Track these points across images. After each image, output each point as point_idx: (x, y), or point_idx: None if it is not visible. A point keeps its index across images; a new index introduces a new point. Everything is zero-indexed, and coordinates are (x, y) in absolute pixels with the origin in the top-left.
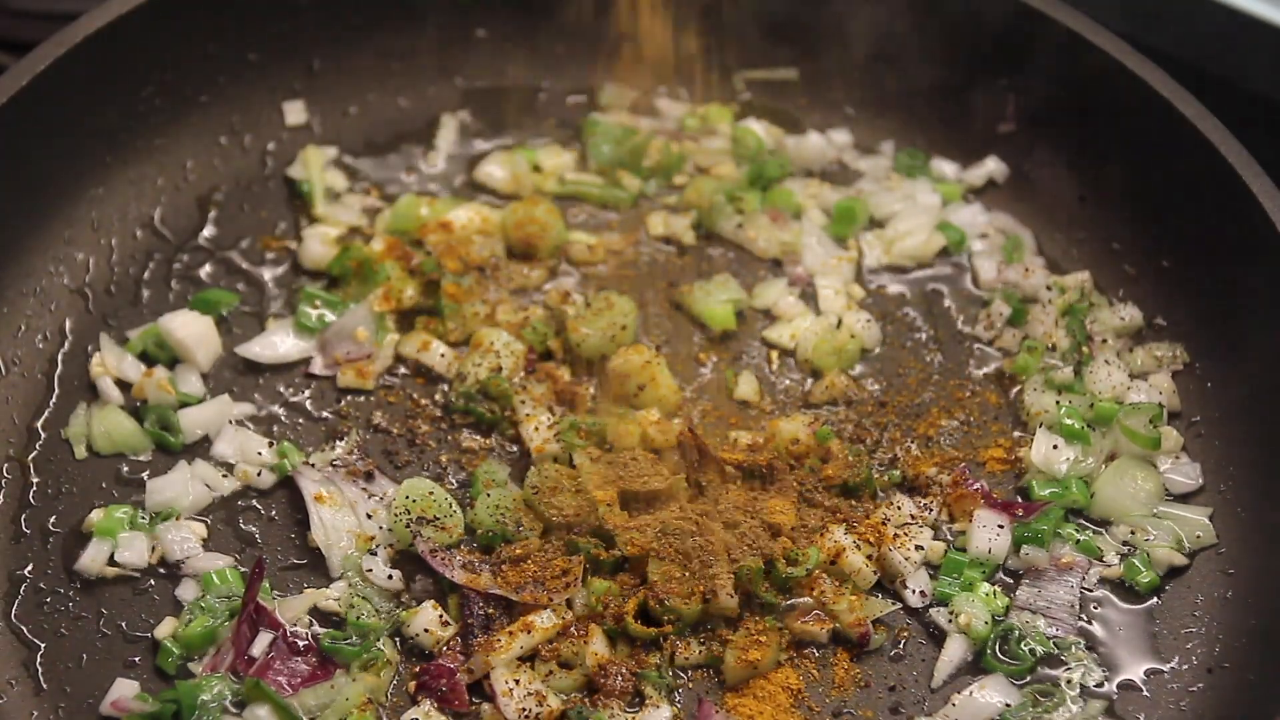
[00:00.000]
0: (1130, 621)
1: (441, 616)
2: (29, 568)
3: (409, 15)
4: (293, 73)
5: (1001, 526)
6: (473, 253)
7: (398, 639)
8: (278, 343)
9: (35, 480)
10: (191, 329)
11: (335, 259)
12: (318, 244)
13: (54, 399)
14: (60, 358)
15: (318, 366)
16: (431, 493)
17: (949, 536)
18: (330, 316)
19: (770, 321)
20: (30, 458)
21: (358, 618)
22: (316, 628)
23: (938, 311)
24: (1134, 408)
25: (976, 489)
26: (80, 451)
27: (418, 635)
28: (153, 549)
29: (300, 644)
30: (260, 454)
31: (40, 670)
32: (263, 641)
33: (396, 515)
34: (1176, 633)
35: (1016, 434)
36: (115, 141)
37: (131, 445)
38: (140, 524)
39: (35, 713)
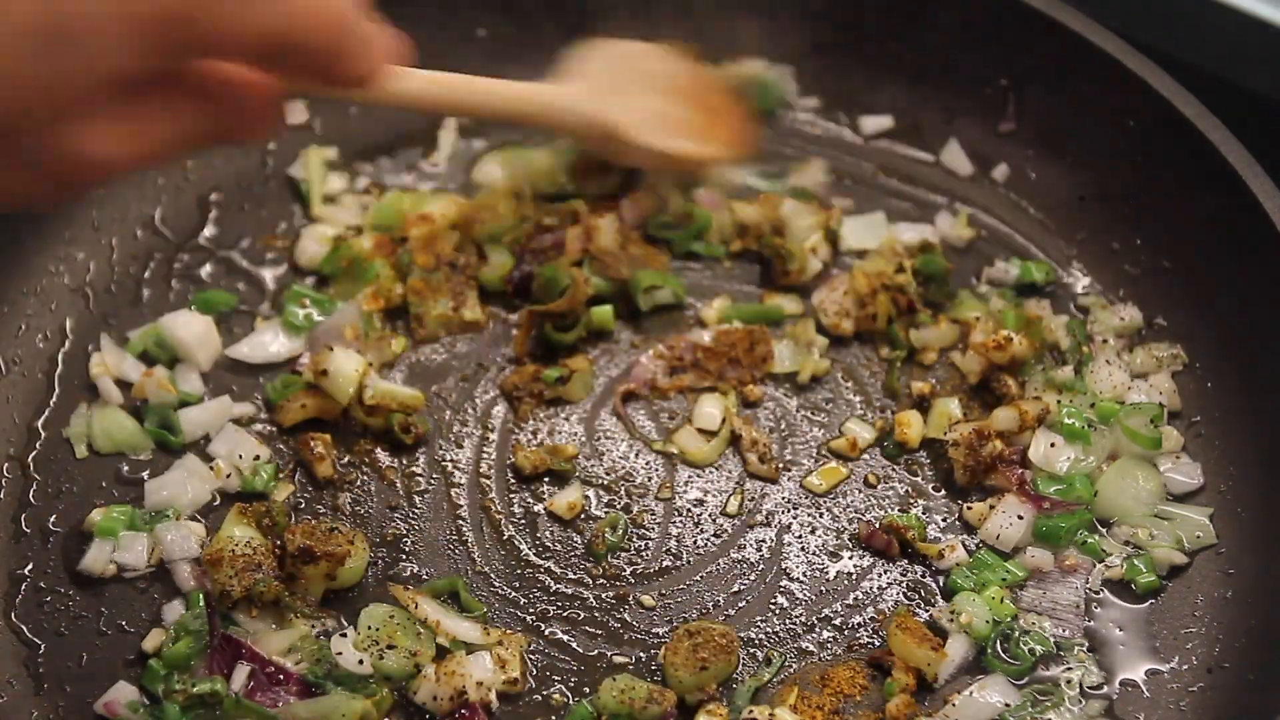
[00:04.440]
0: (1130, 621)
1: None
2: (29, 567)
3: (409, 15)
4: None
5: (1020, 517)
6: (446, 246)
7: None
8: (267, 342)
9: (35, 480)
10: (192, 328)
11: (326, 257)
12: (313, 243)
13: (54, 398)
14: (61, 357)
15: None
16: (392, 616)
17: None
18: (318, 316)
19: None
20: (30, 457)
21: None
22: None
23: None
24: (1135, 408)
25: (1018, 475)
26: (81, 451)
27: (425, 703)
28: (152, 550)
29: (281, 676)
30: (257, 457)
31: (40, 669)
32: (241, 674)
33: (368, 649)
34: (1176, 633)
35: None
36: None
37: (132, 444)
38: (140, 524)
39: (35, 712)
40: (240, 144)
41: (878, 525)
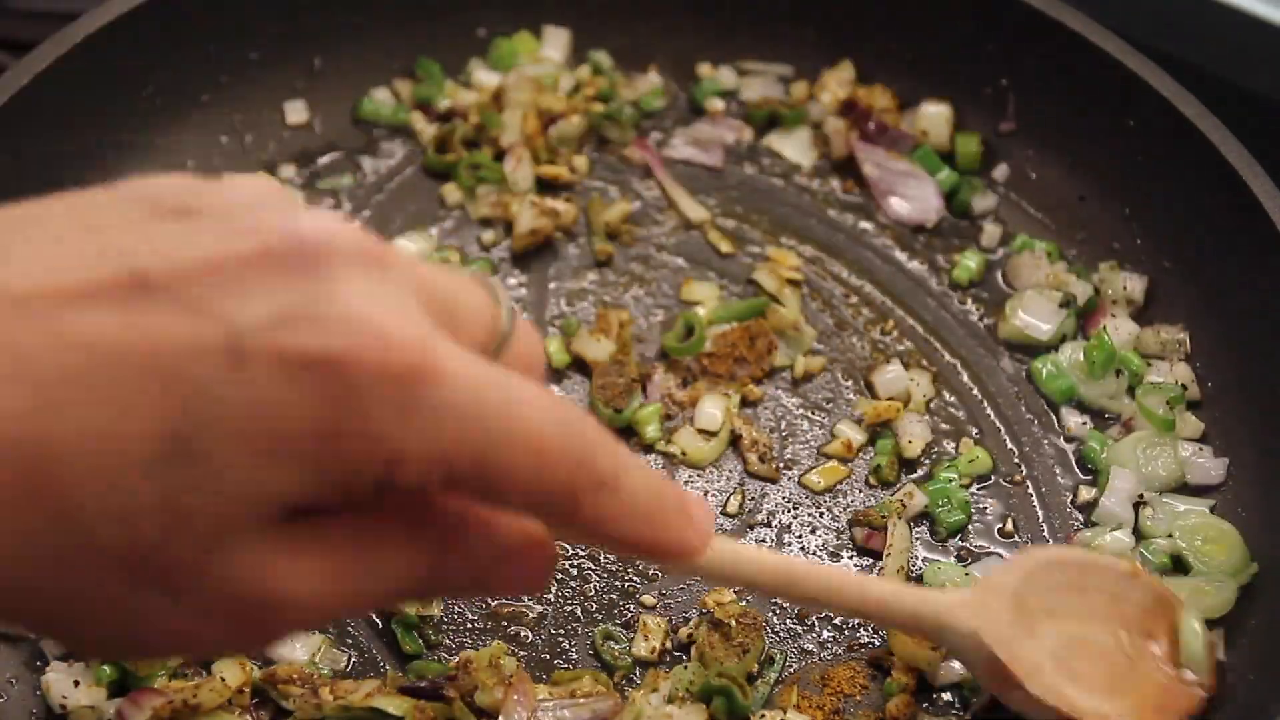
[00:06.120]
0: None
1: None
2: None
3: (410, 14)
4: (294, 72)
5: None
6: None
7: None
8: None
9: None
10: None
11: None
12: None
13: None
14: None
15: None
16: None
17: None
18: None
19: None
20: None
21: None
22: None
23: None
24: (1154, 386)
25: None
26: None
27: None
28: None
29: None
30: None
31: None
32: None
33: None
34: None
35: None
36: (116, 141)
37: None
38: None
39: (34, 711)
40: (512, 598)
41: (868, 525)
